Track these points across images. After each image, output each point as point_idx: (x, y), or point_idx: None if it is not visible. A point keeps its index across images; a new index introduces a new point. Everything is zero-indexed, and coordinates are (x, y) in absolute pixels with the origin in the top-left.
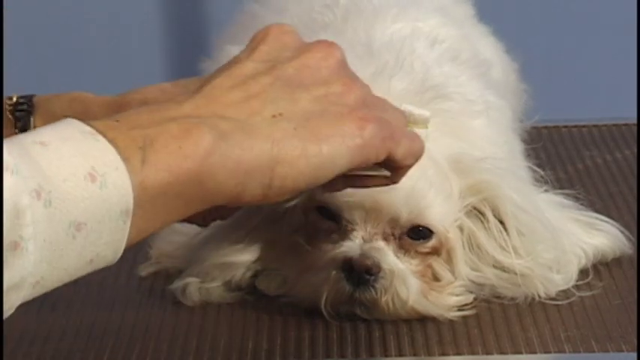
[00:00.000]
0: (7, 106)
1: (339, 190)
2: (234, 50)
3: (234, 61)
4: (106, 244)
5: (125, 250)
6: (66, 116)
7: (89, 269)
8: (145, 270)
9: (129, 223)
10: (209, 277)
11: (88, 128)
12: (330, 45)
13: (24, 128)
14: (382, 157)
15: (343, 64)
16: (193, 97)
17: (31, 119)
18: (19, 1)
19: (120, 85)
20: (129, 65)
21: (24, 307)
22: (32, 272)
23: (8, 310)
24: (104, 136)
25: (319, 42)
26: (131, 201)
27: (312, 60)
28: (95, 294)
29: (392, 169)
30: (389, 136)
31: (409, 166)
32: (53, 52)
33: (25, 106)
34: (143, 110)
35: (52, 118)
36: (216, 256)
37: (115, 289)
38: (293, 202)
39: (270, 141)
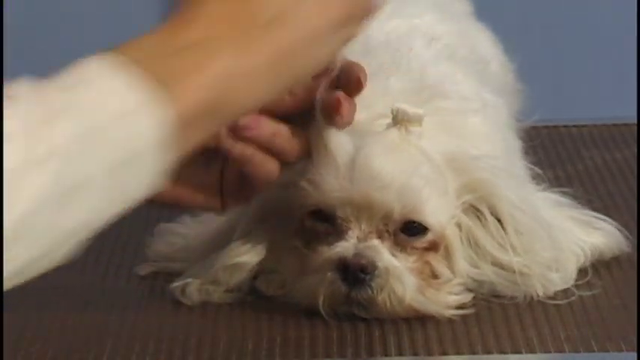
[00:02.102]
0: None
1: None
2: None
3: None
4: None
5: (126, 250)
6: None
7: (120, 174)
8: (144, 269)
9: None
10: (216, 281)
11: (108, 62)
12: None
13: None
14: None
15: None
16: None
17: None
18: (19, 1)
19: None
20: None
21: (23, 307)
22: None
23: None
24: (129, 69)
25: None
26: (168, 131)
27: None
28: (95, 293)
29: None
30: None
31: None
32: (52, 50)
33: None
34: (153, 40)
35: None
36: (223, 258)
37: (115, 288)
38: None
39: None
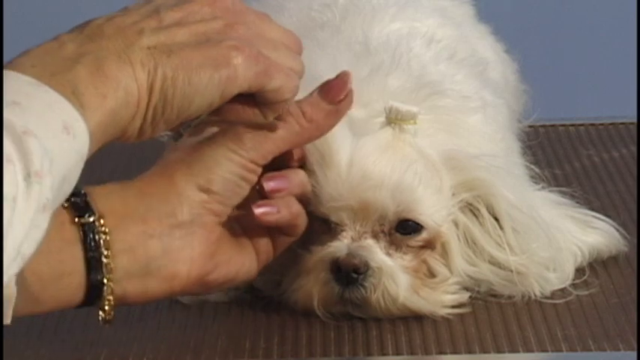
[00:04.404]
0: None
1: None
2: None
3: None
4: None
5: None
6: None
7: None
8: None
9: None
10: None
11: (29, 79)
12: None
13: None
14: (253, 90)
15: (232, 7)
16: (77, 36)
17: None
18: (20, 2)
19: None
20: None
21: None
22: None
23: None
24: (46, 85)
25: None
26: (87, 147)
27: (196, 5)
28: None
29: (266, 104)
30: (262, 71)
31: (282, 102)
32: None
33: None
34: (42, 52)
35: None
36: None
37: None
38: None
39: (146, 70)
